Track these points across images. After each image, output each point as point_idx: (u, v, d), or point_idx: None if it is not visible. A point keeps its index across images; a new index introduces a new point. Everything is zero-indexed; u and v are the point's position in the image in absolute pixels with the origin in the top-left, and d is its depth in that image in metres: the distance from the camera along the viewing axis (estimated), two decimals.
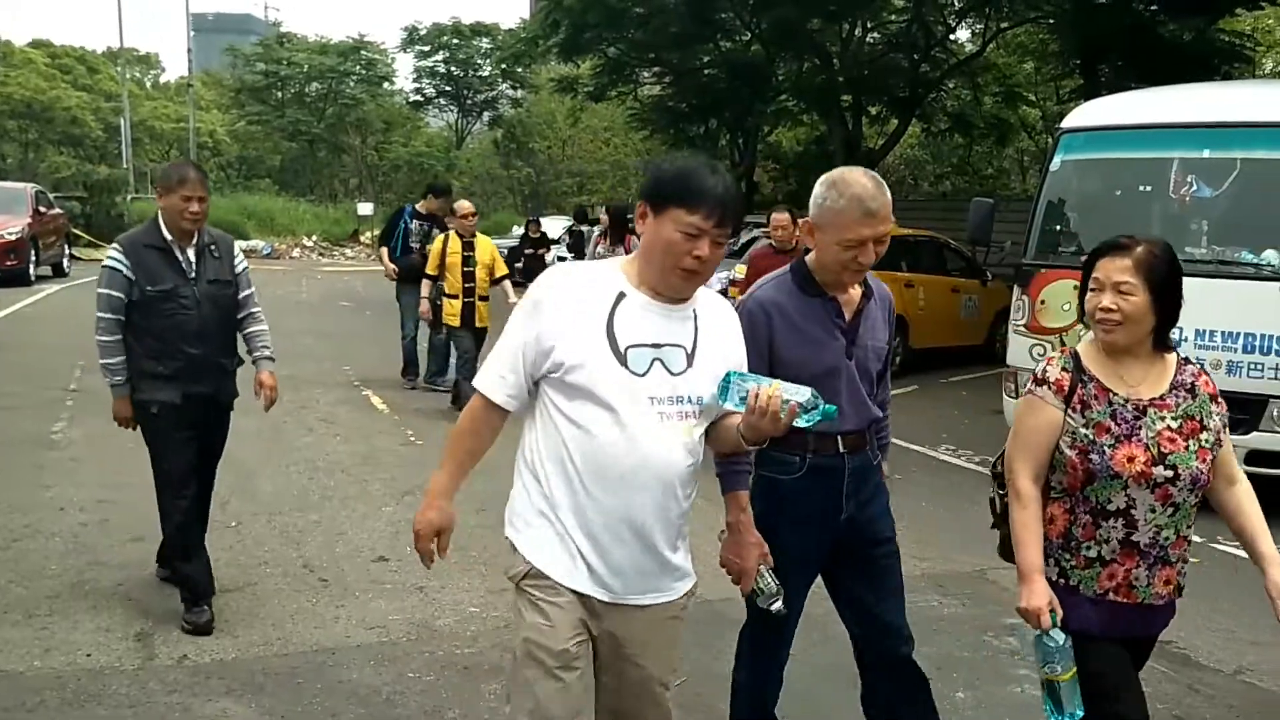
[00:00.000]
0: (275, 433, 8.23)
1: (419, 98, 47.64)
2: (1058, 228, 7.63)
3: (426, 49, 44.98)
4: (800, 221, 3.50)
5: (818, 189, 2.94)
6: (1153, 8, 17.56)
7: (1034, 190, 8.36)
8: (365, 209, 31.92)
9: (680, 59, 24.60)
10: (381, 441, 8.19)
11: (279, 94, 45.36)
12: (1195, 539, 6.05)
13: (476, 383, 2.53)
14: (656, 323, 2.47)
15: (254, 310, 4.85)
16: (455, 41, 44.48)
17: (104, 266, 4.49)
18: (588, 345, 2.41)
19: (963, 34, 24.28)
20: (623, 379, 2.41)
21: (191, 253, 4.53)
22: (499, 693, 4.05)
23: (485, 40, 44.22)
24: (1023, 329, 7.77)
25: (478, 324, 9.11)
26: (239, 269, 4.75)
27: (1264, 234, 6.89)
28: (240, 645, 4.42)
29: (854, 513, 3.14)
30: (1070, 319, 7.13)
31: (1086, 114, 8.17)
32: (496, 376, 2.50)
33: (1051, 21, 19.77)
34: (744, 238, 14.87)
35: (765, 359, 2.92)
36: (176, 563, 4.75)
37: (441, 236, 9.39)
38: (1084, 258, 2.81)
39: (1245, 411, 6.61)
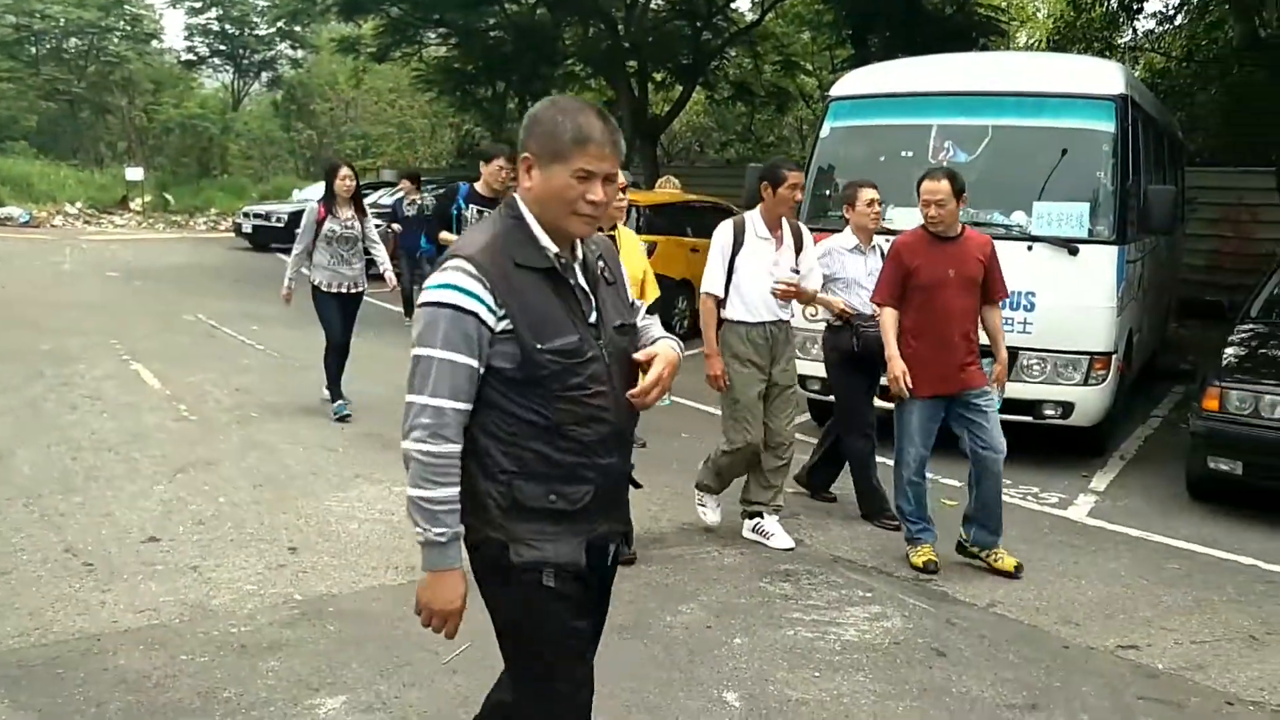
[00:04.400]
0: (33, 410, 7.73)
1: (192, 57, 45.17)
2: (827, 192, 7.91)
3: (197, 5, 42.67)
4: None
5: None
6: None
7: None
8: (134, 174, 30.15)
9: (465, 20, 24.22)
10: (152, 418, 7.77)
11: (32, 49, 42.05)
12: (955, 483, 6.52)
13: None
14: None
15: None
16: None
17: (435, 304, 2.27)
18: None
19: (743, 3, 24.87)
20: None
21: (581, 274, 2.42)
22: (277, 670, 3.96)
23: None
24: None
25: None
26: (630, 292, 2.62)
27: (1014, 196, 7.36)
28: None
29: None
30: None
31: (853, 82, 8.49)
32: None
33: None
34: None
35: None
36: None
37: None
38: None
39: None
